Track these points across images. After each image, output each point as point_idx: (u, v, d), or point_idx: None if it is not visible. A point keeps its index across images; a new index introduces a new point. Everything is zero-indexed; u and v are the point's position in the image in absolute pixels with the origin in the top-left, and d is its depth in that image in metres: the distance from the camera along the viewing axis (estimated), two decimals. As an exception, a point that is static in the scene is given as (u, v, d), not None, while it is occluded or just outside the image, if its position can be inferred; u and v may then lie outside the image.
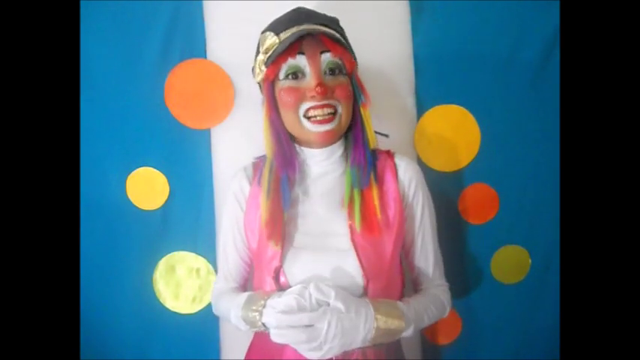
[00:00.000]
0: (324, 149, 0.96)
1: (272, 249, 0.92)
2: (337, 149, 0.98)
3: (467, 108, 1.19)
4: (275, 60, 0.90)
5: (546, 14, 1.15)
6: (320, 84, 0.88)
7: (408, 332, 0.90)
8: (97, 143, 1.14)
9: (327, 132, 0.92)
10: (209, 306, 1.15)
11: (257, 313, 0.88)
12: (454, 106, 1.19)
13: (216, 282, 1.10)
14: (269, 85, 0.94)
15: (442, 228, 1.15)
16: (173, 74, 1.15)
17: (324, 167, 0.98)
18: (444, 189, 1.20)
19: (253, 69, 0.98)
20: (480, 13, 1.16)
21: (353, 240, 0.91)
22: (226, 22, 1.15)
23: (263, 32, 0.94)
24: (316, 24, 0.91)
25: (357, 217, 0.91)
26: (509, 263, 1.22)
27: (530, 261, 1.23)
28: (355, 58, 0.97)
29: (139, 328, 1.18)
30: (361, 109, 0.96)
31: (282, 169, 0.94)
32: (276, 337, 0.84)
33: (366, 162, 0.94)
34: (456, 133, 1.19)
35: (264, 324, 0.88)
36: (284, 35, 0.90)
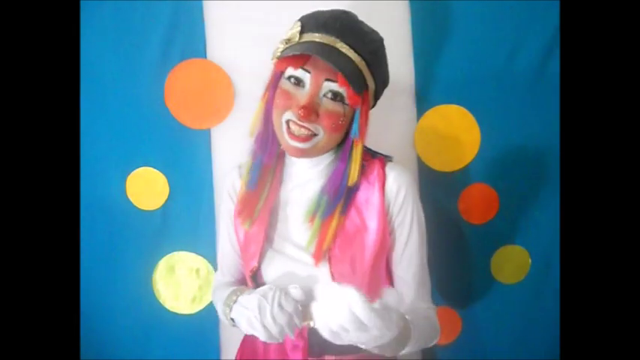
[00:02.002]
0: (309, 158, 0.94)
1: (252, 249, 0.93)
2: (324, 159, 0.95)
3: (467, 108, 1.19)
4: (281, 60, 0.87)
5: (546, 14, 1.15)
6: (306, 107, 0.84)
7: (403, 351, 0.86)
8: (97, 143, 1.15)
9: (299, 149, 0.88)
10: (209, 306, 1.16)
11: (228, 308, 0.90)
12: (454, 106, 1.19)
13: (216, 274, 1.10)
14: (277, 73, 0.91)
15: (442, 228, 1.15)
16: (173, 74, 1.15)
17: (308, 175, 0.95)
18: (444, 189, 1.20)
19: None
20: (480, 13, 1.16)
21: (328, 250, 0.90)
22: (226, 22, 1.15)
23: (300, 18, 0.90)
24: (345, 43, 0.85)
25: (310, 239, 0.90)
26: (509, 263, 1.22)
27: (530, 261, 1.23)
28: (373, 93, 0.92)
29: (139, 328, 1.18)
30: (353, 144, 0.90)
31: (257, 152, 0.95)
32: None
33: (336, 196, 0.90)
34: (456, 133, 1.19)
35: (232, 319, 0.89)
36: (305, 37, 0.87)
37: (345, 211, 0.92)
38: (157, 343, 1.19)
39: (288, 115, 0.87)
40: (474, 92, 1.19)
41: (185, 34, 1.15)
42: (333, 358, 0.90)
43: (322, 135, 0.88)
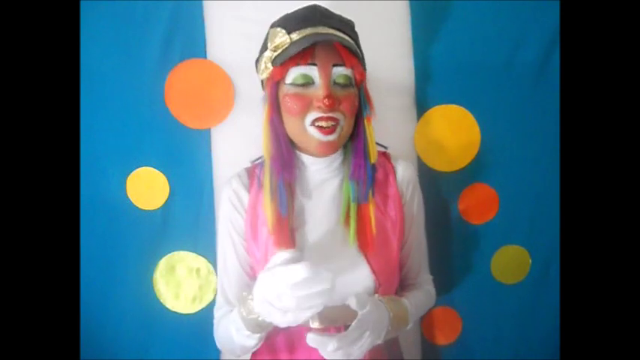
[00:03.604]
0: (324, 158, 0.95)
1: None
2: (336, 158, 0.97)
3: (467, 108, 1.19)
4: (284, 63, 0.87)
5: (546, 14, 1.15)
6: (329, 96, 0.85)
7: (408, 327, 0.93)
8: (97, 143, 1.14)
9: (329, 142, 0.89)
10: (209, 306, 1.16)
11: (250, 302, 0.81)
12: (454, 106, 1.19)
13: (217, 309, 1.00)
14: (273, 85, 0.90)
15: (442, 228, 1.15)
16: (173, 74, 1.15)
17: (323, 175, 0.96)
18: (444, 189, 1.20)
19: (257, 63, 0.95)
20: (480, 13, 1.17)
21: (362, 247, 0.91)
22: (226, 22, 1.15)
23: (273, 26, 0.91)
24: (331, 27, 0.87)
25: (352, 233, 0.90)
26: (509, 263, 1.22)
27: (530, 261, 1.23)
28: (365, 68, 0.96)
29: (139, 328, 1.18)
30: (365, 122, 0.93)
31: (279, 173, 0.91)
32: (311, 341, 0.78)
33: (366, 176, 0.93)
34: (456, 133, 1.19)
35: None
36: (296, 36, 0.86)
37: (377, 189, 0.96)
38: (157, 342, 1.18)
39: (312, 115, 0.88)
40: (473, 92, 1.19)
41: (185, 34, 1.15)
42: None
43: (343, 121, 0.90)
